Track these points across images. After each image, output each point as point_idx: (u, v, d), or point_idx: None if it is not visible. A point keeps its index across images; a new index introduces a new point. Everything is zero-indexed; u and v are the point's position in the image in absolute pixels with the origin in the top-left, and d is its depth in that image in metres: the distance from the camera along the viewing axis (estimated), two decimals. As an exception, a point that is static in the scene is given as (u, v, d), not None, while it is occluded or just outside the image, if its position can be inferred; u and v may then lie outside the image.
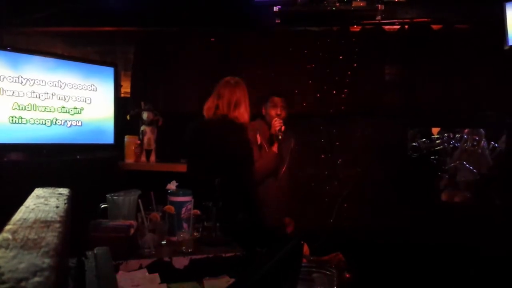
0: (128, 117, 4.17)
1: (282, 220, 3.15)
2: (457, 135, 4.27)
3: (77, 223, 1.12)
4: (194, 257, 1.85)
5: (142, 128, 4.13)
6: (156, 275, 1.71)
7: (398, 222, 3.83)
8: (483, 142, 4.23)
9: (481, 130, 4.17)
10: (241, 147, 2.59)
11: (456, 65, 4.15)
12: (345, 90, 4.30)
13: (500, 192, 4.01)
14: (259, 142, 2.97)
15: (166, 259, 1.81)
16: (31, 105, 3.44)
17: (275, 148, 3.06)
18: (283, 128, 3.03)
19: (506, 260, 3.27)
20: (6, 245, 0.57)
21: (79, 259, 1.06)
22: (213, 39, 4.37)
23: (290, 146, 3.20)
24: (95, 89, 3.87)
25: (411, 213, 3.88)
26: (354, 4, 3.82)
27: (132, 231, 1.83)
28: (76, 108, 3.74)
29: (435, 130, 4.39)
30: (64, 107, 3.65)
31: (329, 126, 4.33)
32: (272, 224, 2.97)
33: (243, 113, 2.65)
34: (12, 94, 3.34)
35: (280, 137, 3.04)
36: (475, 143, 4.22)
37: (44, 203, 0.87)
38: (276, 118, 3.05)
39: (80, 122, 3.77)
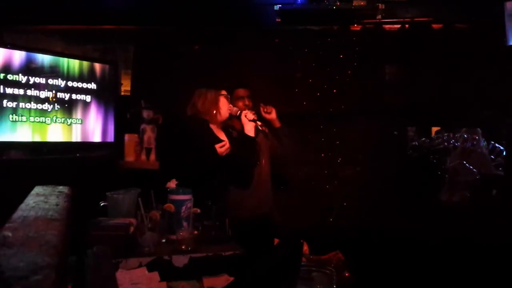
0: (128, 116, 4.16)
1: (271, 207, 3.13)
2: (456, 135, 4.27)
3: (77, 221, 1.12)
4: (193, 255, 1.85)
5: (142, 126, 4.12)
6: (156, 273, 1.71)
7: (398, 221, 3.83)
8: (483, 142, 4.24)
9: (478, 129, 4.18)
10: None
11: (457, 65, 4.15)
12: (345, 89, 4.29)
13: (499, 192, 4.01)
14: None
15: (166, 257, 1.81)
16: (31, 103, 3.44)
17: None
18: (255, 117, 2.97)
19: (505, 259, 3.27)
20: (6, 243, 0.57)
21: (79, 257, 1.06)
22: (213, 37, 4.36)
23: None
24: (95, 87, 3.87)
25: (411, 212, 3.88)
26: (354, 3, 3.82)
27: (131, 229, 1.83)
28: (76, 106, 3.74)
29: (434, 130, 4.39)
30: (64, 105, 3.65)
31: (329, 125, 4.33)
32: (262, 212, 2.98)
33: None
34: (13, 92, 3.34)
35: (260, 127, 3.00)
36: (474, 143, 4.22)
37: (44, 201, 0.87)
38: (247, 111, 2.99)
39: (80, 120, 3.77)
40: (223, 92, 2.82)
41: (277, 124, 3.09)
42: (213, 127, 2.76)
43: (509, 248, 3.35)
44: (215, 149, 2.60)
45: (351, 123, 4.32)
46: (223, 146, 2.62)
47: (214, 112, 2.77)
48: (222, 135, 2.78)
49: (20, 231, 0.64)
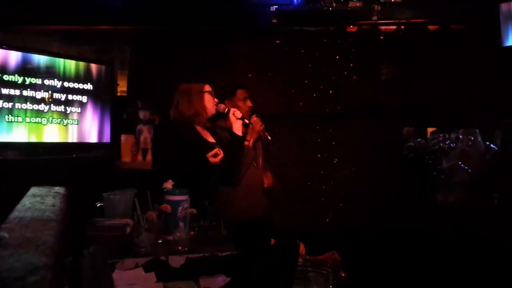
0: (124, 116, 4.16)
1: (267, 208, 3.12)
2: (452, 135, 4.29)
3: (73, 221, 1.13)
4: (190, 256, 1.85)
5: (139, 127, 4.12)
6: (152, 274, 1.72)
7: (393, 222, 3.84)
8: (479, 142, 4.25)
9: (477, 130, 4.18)
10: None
11: (452, 65, 4.17)
12: (341, 89, 4.30)
13: (495, 192, 4.03)
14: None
15: (162, 258, 1.81)
16: (27, 103, 3.44)
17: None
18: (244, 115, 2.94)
19: (501, 260, 3.29)
20: (2, 244, 0.57)
21: (75, 257, 1.06)
22: (209, 38, 4.37)
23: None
24: (91, 88, 3.86)
25: (406, 213, 3.89)
26: (350, 4, 3.83)
27: (128, 230, 1.83)
28: (72, 107, 3.74)
29: (430, 130, 4.40)
30: (60, 106, 3.65)
31: (326, 126, 4.34)
32: (258, 214, 2.96)
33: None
34: (8, 92, 3.34)
35: (268, 137, 3.01)
36: (470, 143, 4.24)
37: (40, 201, 0.87)
38: (256, 120, 2.96)
39: (76, 120, 3.77)
40: (207, 88, 2.69)
41: (269, 137, 3.06)
42: (199, 129, 2.64)
43: (504, 247, 3.37)
44: (205, 154, 2.54)
45: (347, 124, 4.33)
46: (216, 155, 2.52)
47: (200, 110, 2.62)
48: (209, 137, 2.68)
49: (17, 231, 0.64)
